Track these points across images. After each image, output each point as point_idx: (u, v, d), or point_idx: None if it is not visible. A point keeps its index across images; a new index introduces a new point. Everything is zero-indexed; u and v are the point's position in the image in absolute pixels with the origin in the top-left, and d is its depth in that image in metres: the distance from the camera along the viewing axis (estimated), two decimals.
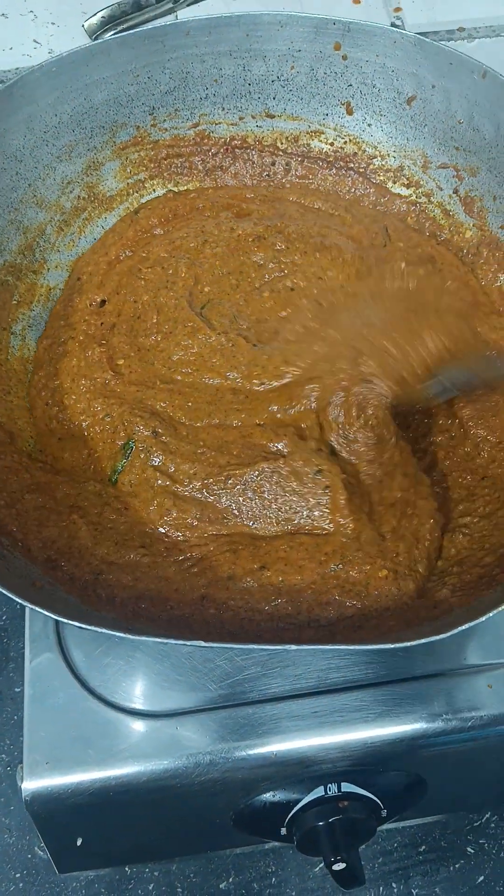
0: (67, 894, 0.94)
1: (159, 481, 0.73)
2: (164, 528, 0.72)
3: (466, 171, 0.91)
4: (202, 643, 0.57)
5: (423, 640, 0.57)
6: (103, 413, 0.78)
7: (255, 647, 0.62)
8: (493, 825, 0.96)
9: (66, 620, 0.59)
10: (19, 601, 0.59)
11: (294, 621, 0.67)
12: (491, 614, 0.59)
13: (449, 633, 0.58)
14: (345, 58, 0.91)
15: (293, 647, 0.58)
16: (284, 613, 0.68)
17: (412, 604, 0.68)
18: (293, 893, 0.94)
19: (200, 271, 0.86)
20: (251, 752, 0.74)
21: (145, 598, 0.69)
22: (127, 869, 0.94)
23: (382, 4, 1.06)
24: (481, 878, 0.94)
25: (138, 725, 0.75)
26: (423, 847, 0.95)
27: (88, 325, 0.84)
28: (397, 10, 1.04)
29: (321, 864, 0.95)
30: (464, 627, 0.58)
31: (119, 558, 0.71)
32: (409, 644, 0.57)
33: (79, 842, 0.79)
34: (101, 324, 0.84)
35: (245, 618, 0.68)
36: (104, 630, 0.59)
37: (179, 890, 0.94)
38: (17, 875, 0.96)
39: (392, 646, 0.58)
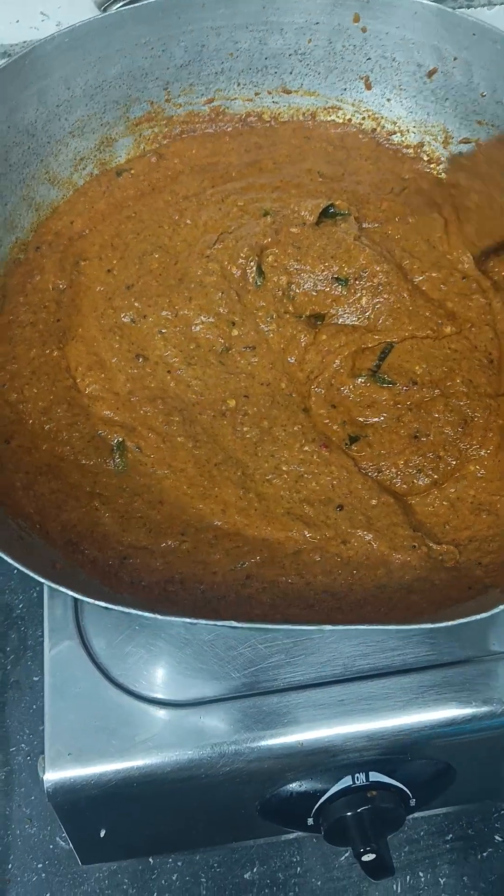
0: (90, 885, 0.93)
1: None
2: (220, 522, 0.72)
3: None
4: (234, 624, 0.55)
5: (463, 620, 0.56)
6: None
7: (289, 626, 0.61)
8: None
9: (90, 600, 0.58)
10: (42, 580, 0.58)
11: (326, 603, 0.66)
12: None
13: (488, 613, 0.57)
14: (364, 30, 0.88)
15: (328, 626, 0.57)
16: (318, 595, 0.66)
17: (445, 585, 0.66)
18: (318, 883, 0.93)
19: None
20: (277, 741, 0.72)
21: (175, 581, 0.67)
22: (150, 859, 0.93)
23: None
24: None
25: (161, 715, 0.73)
26: (450, 835, 0.94)
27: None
28: None
29: (346, 854, 0.94)
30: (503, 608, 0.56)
31: (152, 544, 0.70)
32: (448, 624, 0.56)
33: (102, 833, 0.77)
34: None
35: (278, 598, 0.66)
36: (129, 610, 0.57)
37: (203, 880, 0.93)
38: (39, 865, 0.95)
39: (432, 625, 0.56)
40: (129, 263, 0.84)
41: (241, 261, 0.82)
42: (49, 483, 0.72)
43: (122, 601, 0.63)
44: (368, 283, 0.82)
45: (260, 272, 0.83)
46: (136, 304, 0.81)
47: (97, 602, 0.57)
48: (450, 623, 0.56)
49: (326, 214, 0.86)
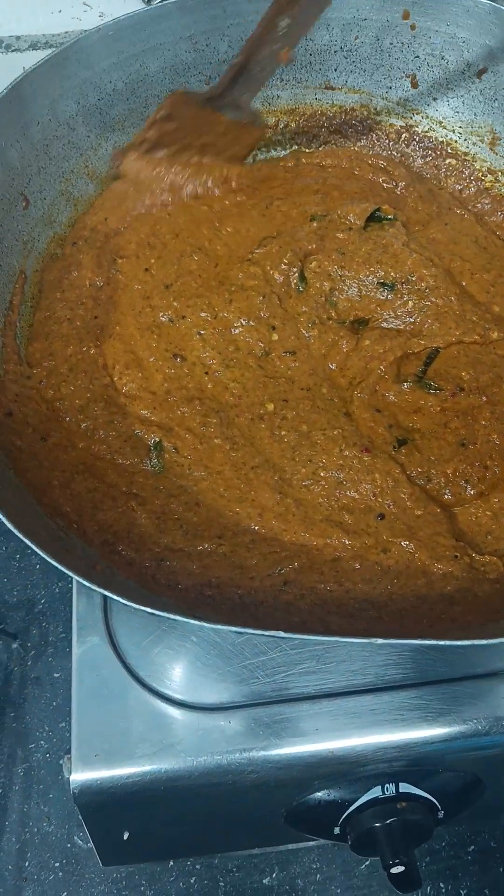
0: (108, 885, 0.93)
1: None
2: (257, 526, 0.70)
3: None
4: (282, 634, 0.54)
5: None
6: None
7: (340, 639, 0.59)
8: None
9: (133, 605, 0.57)
10: (83, 582, 0.57)
11: (367, 613, 0.65)
12: None
13: None
14: (413, 27, 0.87)
15: (379, 640, 0.55)
16: (358, 604, 0.65)
17: (489, 597, 0.65)
18: (338, 891, 0.92)
19: None
20: (306, 748, 0.71)
21: (212, 584, 0.67)
22: (170, 861, 0.93)
23: None
24: None
25: (189, 718, 0.72)
26: (472, 847, 0.93)
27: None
28: None
29: (366, 863, 0.93)
30: None
31: (188, 546, 0.69)
32: (498, 641, 0.54)
33: (125, 835, 0.77)
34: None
35: (316, 606, 0.65)
36: (175, 616, 0.56)
37: (222, 884, 0.92)
38: (57, 864, 0.94)
39: (485, 642, 0.55)
40: (167, 263, 0.83)
41: (283, 266, 0.81)
42: (86, 482, 0.71)
43: (159, 604, 0.62)
44: (416, 288, 0.81)
45: (302, 278, 0.82)
46: (174, 304, 0.80)
47: (143, 608, 0.56)
48: (500, 640, 0.54)
49: (373, 219, 0.85)
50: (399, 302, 0.81)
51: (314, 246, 0.82)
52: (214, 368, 0.77)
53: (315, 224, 0.84)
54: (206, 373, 0.77)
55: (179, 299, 0.80)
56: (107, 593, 0.56)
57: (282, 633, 0.54)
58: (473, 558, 0.68)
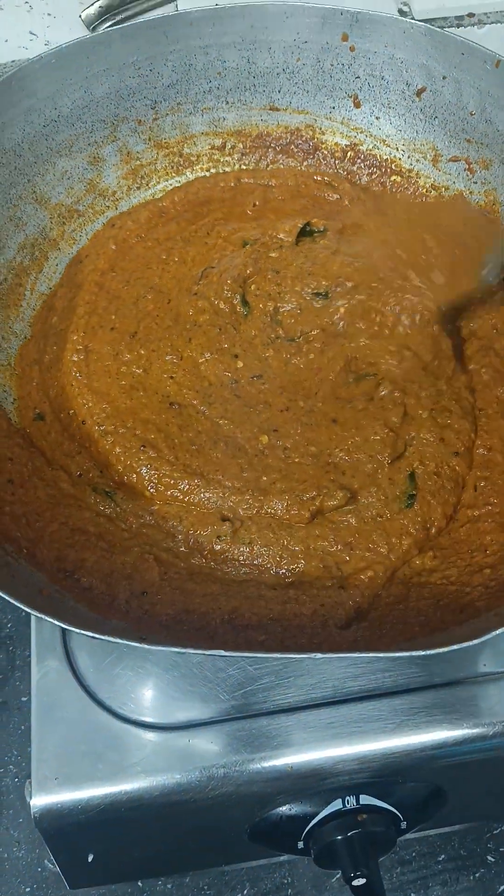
0: None
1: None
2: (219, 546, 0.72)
3: (479, 164, 0.88)
4: (223, 653, 0.54)
5: (453, 647, 0.55)
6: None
7: (279, 655, 0.60)
8: None
9: (78, 630, 0.57)
10: (28, 611, 0.57)
11: (313, 628, 0.65)
12: None
13: (480, 640, 0.56)
14: (352, 49, 0.88)
15: (318, 654, 0.56)
16: (301, 621, 0.66)
17: (437, 608, 0.66)
18: None
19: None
20: (266, 764, 0.72)
21: (164, 603, 0.67)
22: (139, 882, 0.92)
23: None
24: (502, 887, 0.92)
25: (149, 738, 0.73)
26: (443, 856, 0.93)
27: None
28: None
29: (337, 875, 0.93)
30: (495, 633, 0.56)
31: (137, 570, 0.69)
32: (438, 651, 0.55)
33: (90, 858, 0.76)
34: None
35: (263, 625, 0.66)
36: (118, 640, 0.57)
37: None
38: (27, 889, 0.94)
39: (422, 653, 0.55)
40: (126, 315, 0.83)
41: (226, 294, 0.82)
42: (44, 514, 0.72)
43: (106, 627, 0.62)
44: (345, 290, 0.82)
45: (245, 303, 0.83)
46: (142, 352, 0.80)
47: (85, 632, 0.56)
48: (442, 650, 0.55)
49: (304, 234, 0.86)
50: (332, 308, 0.82)
51: (250, 270, 0.84)
52: (200, 408, 0.78)
53: (248, 247, 0.85)
54: (199, 413, 0.78)
55: (146, 346, 0.81)
56: (48, 618, 0.56)
57: (222, 652, 0.54)
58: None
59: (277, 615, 0.67)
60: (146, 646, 0.56)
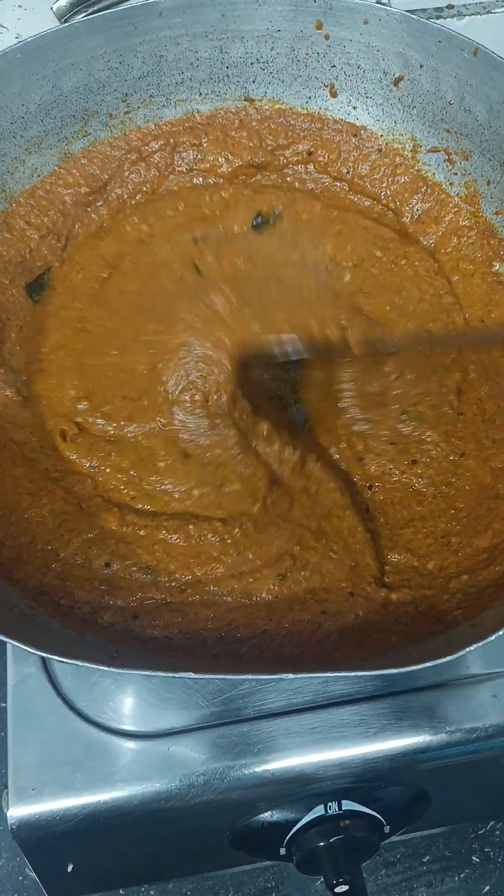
0: None
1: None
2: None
3: (458, 154, 0.86)
4: (192, 675, 0.53)
5: (427, 664, 0.54)
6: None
7: (251, 676, 0.58)
8: (497, 833, 0.93)
9: (46, 655, 0.56)
10: None
11: (288, 645, 0.64)
12: (501, 632, 0.55)
13: (455, 655, 0.55)
14: (327, 37, 0.86)
15: (291, 675, 0.54)
16: (279, 635, 0.64)
17: (414, 618, 0.64)
18: None
19: None
20: (247, 771, 0.71)
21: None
22: (121, 890, 0.92)
23: None
24: (487, 887, 0.91)
25: (128, 746, 0.72)
26: (427, 857, 0.93)
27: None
28: None
29: (321, 879, 0.92)
30: (470, 649, 0.54)
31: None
32: (412, 668, 0.54)
33: (69, 868, 0.76)
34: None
35: (238, 640, 0.64)
36: (89, 664, 0.55)
37: None
38: None
39: (395, 671, 0.54)
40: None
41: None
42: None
43: (80, 650, 0.61)
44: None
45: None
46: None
47: (54, 657, 0.55)
48: (417, 667, 0.54)
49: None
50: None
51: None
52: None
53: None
54: None
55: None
56: (19, 644, 0.54)
57: (192, 675, 0.53)
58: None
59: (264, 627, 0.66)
60: (115, 669, 0.54)
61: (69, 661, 0.55)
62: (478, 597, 0.64)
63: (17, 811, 0.69)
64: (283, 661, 0.62)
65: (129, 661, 0.60)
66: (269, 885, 0.91)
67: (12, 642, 0.54)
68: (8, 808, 0.70)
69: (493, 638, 0.55)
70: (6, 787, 0.71)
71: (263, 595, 0.67)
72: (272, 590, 0.67)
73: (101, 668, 0.54)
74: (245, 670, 0.62)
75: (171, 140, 0.89)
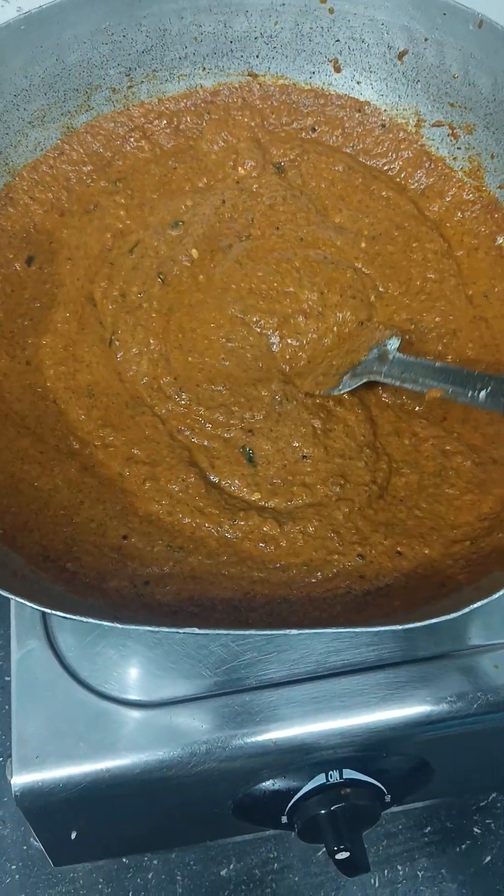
0: (65, 885, 0.92)
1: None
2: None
3: (462, 128, 0.86)
4: (196, 630, 0.54)
5: (431, 621, 0.55)
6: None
7: (255, 632, 0.59)
8: (499, 805, 0.94)
9: (51, 611, 0.56)
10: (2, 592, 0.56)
11: (293, 605, 0.64)
12: (502, 592, 0.56)
13: (459, 613, 0.55)
14: (331, 11, 0.86)
15: (294, 631, 0.55)
16: (281, 595, 0.65)
17: (417, 582, 0.65)
18: (296, 878, 0.92)
19: None
20: (249, 740, 0.71)
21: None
22: (125, 858, 0.92)
23: None
24: (488, 858, 0.92)
25: (131, 715, 0.72)
26: (429, 828, 0.93)
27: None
28: None
29: (323, 849, 0.93)
30: (474, 606, 0.55)
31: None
32: (416, 625, 0.54)
33: (73, 835, 0.76)
34: None
35: (242, 601, 0.65)
36: (91, 620, 0.56)
37: (179, 878, 0.92)
38: (13, 867, 0.94)
39: (400, 627, 0.55)
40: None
41: None
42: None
43: (82, 608, 0.61)
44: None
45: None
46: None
47: (58, 613, 0.55)
48: (420, 624, 0.54)
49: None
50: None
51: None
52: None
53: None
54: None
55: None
56: (25, 602, 0.55)
57: (196, 630, 0.53)
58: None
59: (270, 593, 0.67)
60: (118, 625, 0.55)
61: (72, 617, 0.55)
62: (481, 562, 0.64)
63: (21, 779, 0.70)
64: (288, 625, 0.63)
65: (132, 619, 0.61)
66: (272, 856, 0.92)
67: (16, 599, 0.55)
68: (12, 776, 0.70)
69: (496, 596, 0.55)
70: (10, 756, 0.71)
71: (294, 573, 0.67)
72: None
73: (104, 623, 0.55)
74: (249, 629, 0.62)
75: (175, 120, 0.90)
